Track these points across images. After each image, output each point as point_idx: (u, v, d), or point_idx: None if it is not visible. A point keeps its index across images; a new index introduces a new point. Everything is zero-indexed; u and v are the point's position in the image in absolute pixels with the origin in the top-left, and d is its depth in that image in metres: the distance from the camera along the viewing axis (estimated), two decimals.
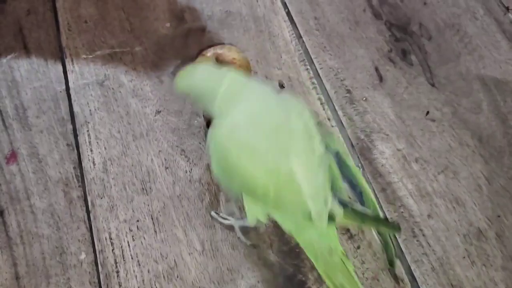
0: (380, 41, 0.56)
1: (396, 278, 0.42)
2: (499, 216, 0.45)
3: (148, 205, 0.46)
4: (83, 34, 0.56)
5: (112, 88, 0.53)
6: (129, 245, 0.44)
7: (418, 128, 0.50)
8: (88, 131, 0.50)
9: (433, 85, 0.52)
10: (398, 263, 0.43)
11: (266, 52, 0.55)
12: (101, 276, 0.43)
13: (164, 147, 0.49)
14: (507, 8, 0.57)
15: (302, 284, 0.42)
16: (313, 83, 0.53)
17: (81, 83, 0.53)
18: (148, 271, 0.43)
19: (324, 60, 0.54)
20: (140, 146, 0.49)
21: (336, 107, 0.51)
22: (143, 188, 0.47)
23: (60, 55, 0.55)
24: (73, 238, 0.45)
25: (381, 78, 0.53)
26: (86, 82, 0.53)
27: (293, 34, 0.56)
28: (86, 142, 0.49)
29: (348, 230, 0.45)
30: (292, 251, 0.43)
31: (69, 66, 0.54)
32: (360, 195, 0.41)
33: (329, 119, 0.50)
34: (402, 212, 0.45)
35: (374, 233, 0.43)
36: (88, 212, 0.46)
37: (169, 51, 0.55)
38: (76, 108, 0.51)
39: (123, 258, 0.43)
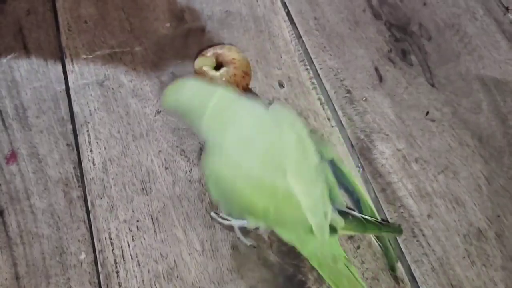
0: (380, 41, 0.56)
1: (396, 278, 0.42)
2: (499, 216, 0.45)
3: (148, 205, 0.46)
4: (83, 34, 0.56)
5: (112, 88, 0.53)
6: (129, 245, 0.44)
7: (418, 128, 0.50)
8: (88, 131, 0.50)
9: (433, 85, 0.52)
10: (398, 263, 0.43)
11: (266, 52, 0.55)
12: (101, 276, 0.43)
13: (164, 147, 0.49)
14: (507, 8, 0.58)
15: (302, 284, 0.42)
16: (313, 83, 0.53)
17: (81, 83, 0.53)
18: (148, 271, 0.43)
19: (324, 60, 0.54)
20: (140, 146, 0.49)
21: (336, 107, 0.51)
22: (143, 188, 0.47)
23: (60, 55, 0.55)
24: (73, 238, 0.44)
25: (381, 78, 0.53)
26: (86, 82, 0.53)
27: (293, 34, 0.56)
28: (86, 142, 0.49)
29: None
30: (292, 251, 0.43)
31: (69, 66, 0.54)
32: (357, 202, 0.42)
33: (329, 119, 0.50)
34: (402, 212, 0.45)
35: (373, 239, 0.43)
36: (88, 212, 0.46)
37: (169, 51, 0.55)
38: (76, 108, 0.51)
39: (123, 258, 0.43)
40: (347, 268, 0.39)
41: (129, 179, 0.47)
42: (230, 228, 0.44)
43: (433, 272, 0.42)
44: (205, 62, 0.47)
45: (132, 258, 0.43)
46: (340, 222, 0.37)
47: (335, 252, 0.39)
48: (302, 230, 0.38)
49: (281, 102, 0.42)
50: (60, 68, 0.54)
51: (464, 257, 0.43)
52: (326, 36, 0.56)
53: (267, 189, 0.37)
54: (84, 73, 0.54)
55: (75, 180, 0.47)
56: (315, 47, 0.55)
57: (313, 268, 0.42)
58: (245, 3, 0.59)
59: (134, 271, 0.43)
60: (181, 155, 0.48)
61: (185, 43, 0.56)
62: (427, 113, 0.51)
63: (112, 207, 0.46)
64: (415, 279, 0.42)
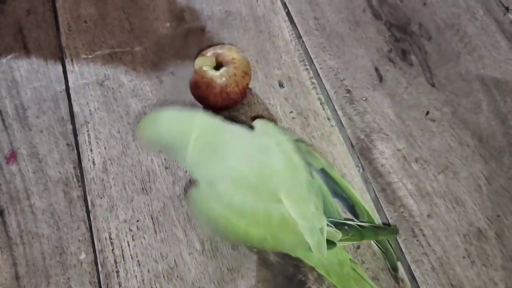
0: (380, 41, 0.56)
1: (396, 278, 0.42)
2: (499, 216, 0.45)
3: (148, 205, 0.46)
4: (83, 34, 0.56)
5: (112, 88, 0.53)
6: (129, 245, 0.44)
7: (418, 128, 0.50)
8: (88, 131, 0.50)
9: (433, 85, 0.52)
10: (398, 263, 0.43)
11: (266, 52, 0.55)
12: (101, 276, 0.43)
13: None
14: (507, 8, 0.58)
15: (302, 284, 0.42)
16: (313, 83, 0.53)
17: (81, 83, 0.53)
18: (148, 271, 0.43)
19: (324, 60, 0.54)
20: (140, 146, 0.49)
21: (336, 107, 0.51)
22: (143, 188, 0.47)
23: (60, 55, 0.55)
24: (73, 238, 0.44)
25: (381, 78, 0.53)
26: (86, 82, 0.53)
27: (293, 34, 0.56)
28: (86, 142, 0.49)
29: None
30: None
31: (69, 66, 0.54)
32: (352, 207, 0.42)
33: (328, 119, 0.50)
34: (402, 212, 0.45)
35: (373, 242, 0.43)
36: (88, 212, 0.46)
37: (169, 51, 0.55)
38: (76, 108, 0.51)
39: (123, 258, 0.43)
40: (354, 270, 0.39)
41: (129, 179, 0.47)
42: None
43: (433, 272, 0.42)
44: (205, 62, 0.47)
45: (132, 258, 0.43)
46: (337, 235, 0.37)
47: (340, 257, 0.39)
48: (302, 249, 0.38)
49: (263, 120, 0.42)
50: (60, 68, 0.54)
51: (464, 257, 0.43)
52: (326, 36, 0.56)
53: (262, 219, 0.36)
54: (84, 73, 0.54)
55: (75, 180, 0.47)
56: (315, 47, 0.55)
57: (313, 268, 0.42)
58: (245, 3, 0.59)
59: (134, 271, 0.43)
60: None
61: (185, 43, 0.56)
62: (427, 113, 0.51)
63: (112, 207, 0.46)
64: (415, 279, 0.42)
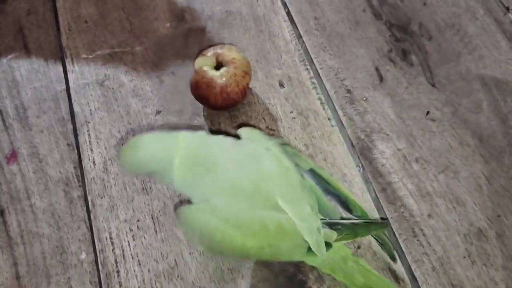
0: (380, 41, 0.56)
1: (396, 278, 0.42)
2: (499, 216, 0.45)
3: (149, 205, 0.46)
4: (83, 34, 0.56)
5: (112, 88, 0.53)
6: (129, 244, 0.44)
7: (419, 128, 0.50)
8: (88, 130, 0.50)
9: (433, 85, 0.52)
10: (398, 263, 0.43)
11: (266, 52, 0.55)
12: (102, 276, 0.43)
13: None
14: (507, 8, 0.58)
15: (302, 284, 0.42)
16: (313, 83, 0.53)
17: (81, 83, 0.53)
18: (149, 271, 0.43)
19: (324, 60, 0.54)
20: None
21: (336, 107, 0.51)
22: (143, 188, 0.47)
23: (60, 55, 0.55)
24: (74, 237, 0.45)
25: (381, 78, 0.53)
26: (86, 82, 0.53)
27: (293, 34, 0.56)
28: (86, 142, 0.49)
29: None
30: None
31: (69, 66, 0.54)
32: (345, 203, 0.42)
33: (329, 119, 0.50)
34: (403, 212, 0.45)
35: (371, 236, 0.43)
36: (88, 211, 0.46)
37: (169, 51, 0.55)
38: (76, 108, 0.51)
39: (124, 257, 0.43)
40: (358, 263, 0.39)
41: (129, 178, 0.47)
42: None
43: (433, 272, 0.42)
44: (205, 62, 0.47)
45: (132, 258, 0.43)
46: (332, 235, 0.37)
47: (342, 254, 0.39)
48: (300, 254, 0.37)
49: (248, 127, 0.41)
50: (60, 68, 0.54)
51: (464, 257, 0.43)
52: (327, 36, 0.56)
53: (259, 229, 0.36)
54: (84, 72, 0.54)
55: (75, 179, 0.47)
56: (315, 47, 0.55)
57: (313, 267, 0.42)
58: (245, 3, 0.59)
59: (134, 271, 0.43)
60: None
61: (185, 43, 0.56)
62: (428, 113, 0.51)
63: (113, 207, 0.46)
64: (415, 279, 0.42)
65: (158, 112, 0.51)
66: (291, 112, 0.51)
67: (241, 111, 0.51)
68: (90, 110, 0.51)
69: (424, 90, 0.52)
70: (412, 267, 0.43)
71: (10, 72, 0.54)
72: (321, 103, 0.51)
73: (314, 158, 0.48)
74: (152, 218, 0.45)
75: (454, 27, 0.57)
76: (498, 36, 0.56)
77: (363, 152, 0.49)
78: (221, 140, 0.39)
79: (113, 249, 0.44)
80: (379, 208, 0.45)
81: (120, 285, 0.42)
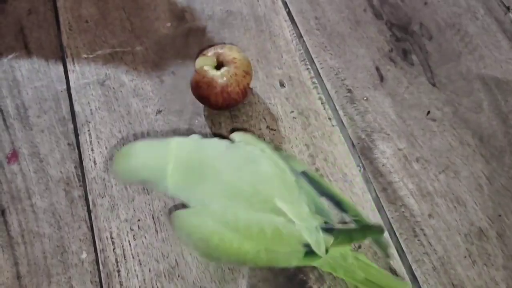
0: (381, 41, 0.56)
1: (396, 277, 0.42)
2: (500, 216, 0.45)
3: (149, 205, 0.46)
4: (84, 33, 0.56)
5: (113, 88, 0.53)
6: (130, 244, 0.44)
7: (419, 127, 0.50)
8: (89, 130, 0.50)
9: (434, 84, 0.52)
10: (399, 263, 0.43)
11: (267, 52, 0.55)
12: (102, 275, 0.43)
13: None
14: (508, 8, 0.58)
15: (303, 284, 0.42)
16: (313, 82, 0.53)
17: (82, 82, 0.53)
18: (149, 270, 0.43)
19: (325, 60, 0.54)
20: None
21: (337, 107, 0.51)
22: (144, 188, 0.47)
23: (61, 55, 0.55)
24: (74, 237, 0.45)
25: (382, 78, 0.53)
26: (87, 82, 0.53)
27: (293, 33, 0.56)
28: (87, 142, 0.49)
29: None
30: None
31: (70, 66, 0.54)
32: (339, 204, 0.42)
33: (329, 119, 0.50)
34: (403, 211, 0.45)
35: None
36: (89, 211, 0.46)
37: (170, 50, 0.55)
38: (77, 108, 0.51)
39: (124, 257, 0.44)
40: (357, 258, 0.39)
41: None
42: None
43: (434, 272, 0.42)
44: (206, 61, 0.47)
45: (133, 257, 0.43)
46: (329, 240, 0.37)
47: (341, 251, 0.39)
48: (297, 259, 0.37)
49: (241, 132, 0.41)
50: (61, 67, 0.54)
51: (465, 257, 0.43)
52: (327, 35, 0.56)
53: (256, 233, 0.36)
54: (85, 72, 0.54)
55: (76, 179, 0.47)
56: (316, 47, 0.55)
57: (314, 267, 0.42)
58: (246, 3, 0.59)
59: (135, 270, 0.43)
60: None
61: (186, 43, 0.56)
62: (428, 112, 0.51)
63: (113, 207, 0.46)
64: (416, 279, 0.42)
65: (159, 111, 0.51)
66: (292, 112, 0.51)
67: (242, 111, 0.51)
68: (91, 109, 0.51)
69: (425, 90, 0.52)
70: (413, 267, 0.43)
71: (11, 72, 0.54)
72: (322, 103, 0.51)
73: (315, 158, 0.48)
74: (153, 217, 0.45)
75: (455, 26, 0.56)
76: (499, 35, 0.56)
77: (363, 152, 0.49)
78: (215, 143, 0.39)
79: (113, 249, 0.44)
80: (380, 208, 0.45)
81: (121, 284, 0.42)
